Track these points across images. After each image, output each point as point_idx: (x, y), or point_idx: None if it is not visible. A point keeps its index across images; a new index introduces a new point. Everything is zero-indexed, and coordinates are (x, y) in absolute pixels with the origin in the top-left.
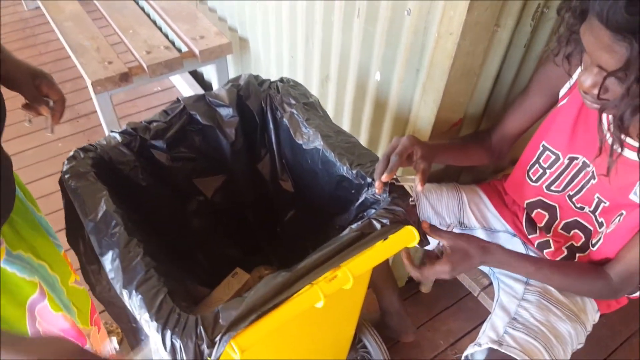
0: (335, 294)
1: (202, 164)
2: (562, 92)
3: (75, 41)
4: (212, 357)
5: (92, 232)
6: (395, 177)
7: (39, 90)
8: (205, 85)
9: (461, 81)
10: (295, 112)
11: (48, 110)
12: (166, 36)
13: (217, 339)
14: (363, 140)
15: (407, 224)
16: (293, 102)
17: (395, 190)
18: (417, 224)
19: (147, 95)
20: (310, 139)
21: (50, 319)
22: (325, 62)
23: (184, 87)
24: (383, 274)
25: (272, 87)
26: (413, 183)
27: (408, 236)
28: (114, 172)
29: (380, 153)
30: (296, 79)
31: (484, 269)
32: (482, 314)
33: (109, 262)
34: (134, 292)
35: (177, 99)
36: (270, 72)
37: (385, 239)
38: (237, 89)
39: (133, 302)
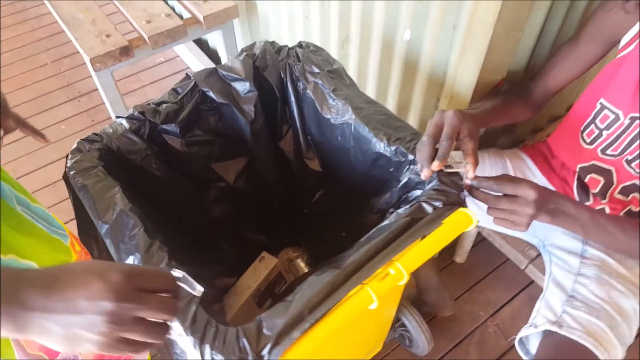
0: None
1: (220, 147)
2: (624, 40)
3: (68, 14)
4: None
5: (107, 236)
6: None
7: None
8: (211, 53)
9: (506, 38)
10: (319, 82)
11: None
12: (165, 2)
13: (265, 352)
14: (391, 106)
15: (462, 205)
16: (316, 70)
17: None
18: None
19: (150, 67)
20: (340, 112)
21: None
22: (345, 21)
23: (189, 56)
24: None
25: (291, 54)
26: (462, 167)
27: (464, 220)
28: (124, 163)
29: (412, 122)
30: (311, 41)
31: (532, 239)
32: (521, 282)
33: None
34: None
35: (187, 74)
36: (282, 37)
37: (437, 225)
38: (253, 60)
39: None
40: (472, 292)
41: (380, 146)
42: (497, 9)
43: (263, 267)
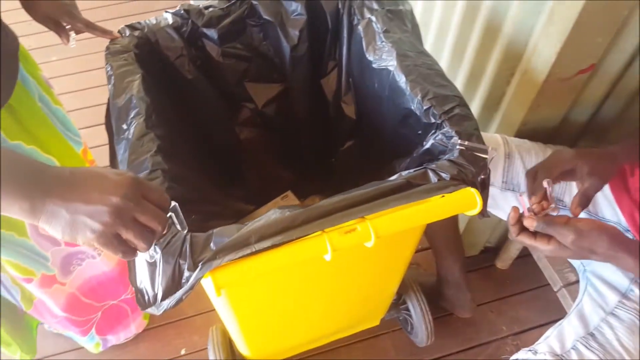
0: (357, 249)
1: (257, 66)
2: None
3: None
4: (188, 283)
5: (114, 118)
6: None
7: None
8: None
9: (603, 12)
10: (373, 19)
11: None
12: None
13: (201, 263)
14: (464, 72)
15: (473, 186)
16: (376, 6)
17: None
18: (484, 190)
19: None
20: (383, 56)
21: None
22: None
23: None
24: (446, 235)
25: None
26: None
27: (466, 201)
28: (159, 57)
29: (481, 94)
30: None
31: (574, 262)
32: (561, 311)
33: (120, 152)
34: None
35: None
36: None
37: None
38: None
39: None
40: (503, 304)
41: (413, 102)
42: (577, 9)
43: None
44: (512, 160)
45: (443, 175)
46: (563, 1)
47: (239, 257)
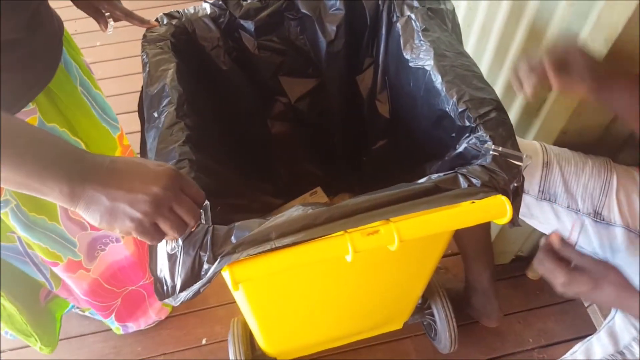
0: (381, 251)
1: (292, 60)
2: None
3: None
4: (207, 275)
5: (147, 106)
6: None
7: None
8: None
9: None
10: (413, 17)
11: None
12: None
13: (220, 256)
14: (504, 75)
15: (504, 194)
16: (416, 4)
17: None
18: (516, 198)
19: None
20: (420, 55)
21: None
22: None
23: None
24: (477, 242)
25: None
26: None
27: (496, 209)
28: (195, 47)
29: (519, 101)
30: None
31: None
32: (591, 327)
33: (150, 140)
34: None
35: None
36: None
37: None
38: None
39: None
40: (531, 315)
41: (448, 103)
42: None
43: (312, 201)
44: (550, 169)
45: (474, 180)
46: (613, 4)
47: (259, 253)
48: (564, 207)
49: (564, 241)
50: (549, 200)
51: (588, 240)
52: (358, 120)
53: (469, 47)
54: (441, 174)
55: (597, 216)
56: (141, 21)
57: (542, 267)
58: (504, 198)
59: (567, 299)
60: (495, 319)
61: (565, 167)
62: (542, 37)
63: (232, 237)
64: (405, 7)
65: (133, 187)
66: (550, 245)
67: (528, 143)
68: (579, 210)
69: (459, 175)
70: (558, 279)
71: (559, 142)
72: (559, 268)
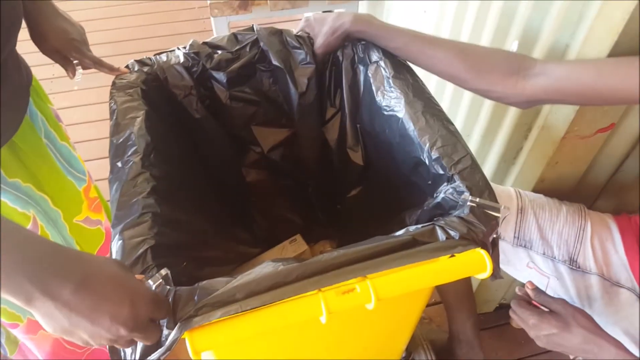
0: (357, 309)
1: (265, 111)
2: None
3: None
4: (166, 343)
5: (111, 154)
6: None
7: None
8: None
9: None
10: (382, 64)
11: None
12: None
13: (180, 320)
14: (480, 124)
15: (483, 247)
16: (383, 54)
17: (485, 197)
18: (494, 250)
19: None
20: (392, 102)
21: None
22: (458, 22)
23: None
24: (457, 291)
25: None
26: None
27: (476, 264)
28: (167, 95)
29: (498, 147)
30: None
31: None
32: None
33: (112, 192)
34: (117, 235)
35: (253, 26)
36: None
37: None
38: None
39: (115, 247)
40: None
41: (422, 151)
42: (619, 28)
43: (291, 250)
44: (524, 215)
45: (452, 233)
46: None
47: (222, 317)
48: (540, 254)
49: (537, 289)
50: (525, 246)
51: (565, 289)
52: (331, 169)
53: (446, 97)
54: (419, 226)
55: (573, 263)
56: (110, 68)
57: (514, 314)
58: (483, 252)
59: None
60: None
61: (539, 213)
62: None
63: (196, 297)
64: (373, 54)
65: (101, 321)
66: (524, 295)
67: (502, 189)
68: (555, 257)
69: (437, 227)
70: (529, 320)
71: (538, 190)
72: (529, 311)
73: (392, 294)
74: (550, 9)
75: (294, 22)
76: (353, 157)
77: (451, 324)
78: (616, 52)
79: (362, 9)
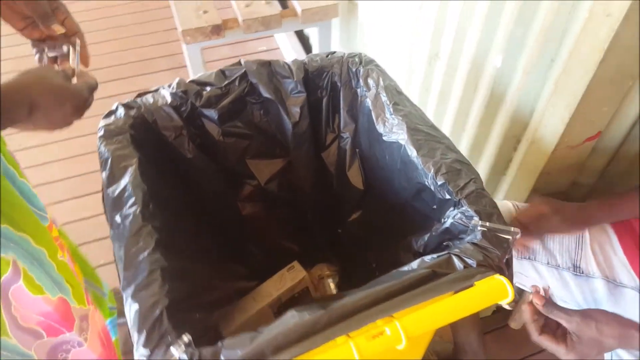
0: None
1: (259, 143)
2: None
3: None
4: None
5: (108, 207)
6: None
7: (54, 13)
8: (309, 50)
9: (611, 84)
10: (382, 93)
11: (67, 38)
12: None
13: None
14: (467, 137)
15: (500, 272)
16: (382, 81)
17: (494, 220)
18: (509, 271)
19: (251, 53)
20: (394, 130)
21: (27, 302)
22: (437, 36)
23: (288, 49)
24: None
25: (353, 61)
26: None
27: (499, 291)
28: (156, 137)
29: (485, 161)
30: (401, 54)
31: None
32: None
33: (116, 249)
34: (130, 299)
35: (240, 61)
36: (375, 44)
37: (463, 288)
38: (304, 63)
39: (130, 313)
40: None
41: (427, 177)
42: (604, 45)
43: (289, 277)
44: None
45: (469, 261)
46: (569, 74)
47: None
48: (544, 264)
49: (547, 302)
50: (529, 258)
51: (571, 295)
52: (330, 194)
53: (429, 112)
54: (434, 256)
55: (576, 269)
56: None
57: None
58: (503, 279)
59: None
60: None
61: None
62: (501, 103)
63: (221, 356)
64: (371, 82)
65: (53, 125)
66: (532, 312)
67: (501, 204)
68: (559, 266)
69: (453, 257)
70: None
71: (531, 200)
72: (554, 340)
73: (420, 331)
74: (533, 23)
75: (265, 40)
76: (353, 181)
77: (455, 336)
78: (604, 67)
79: (335, 27)
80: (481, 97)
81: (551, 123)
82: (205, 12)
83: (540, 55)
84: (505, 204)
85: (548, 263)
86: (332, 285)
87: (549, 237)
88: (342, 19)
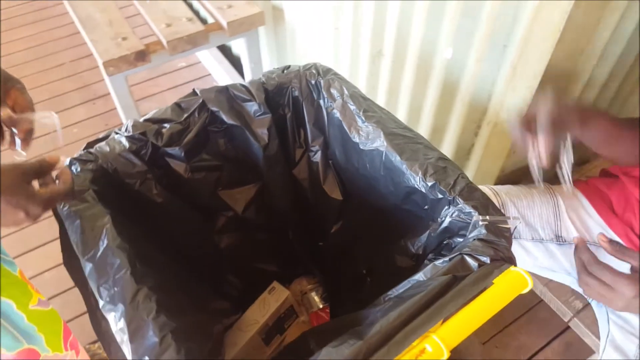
0: None
1: (229, 172)
2: None
3: (85, 13)
4: None
5: (92, 277)
6: None
7: (5, 95)
8: (235, 60)
9: (566, 62)
10: (349, 102)
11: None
12: (189, 6)
13: None
14: (424, 127)
15: (511, 262)
16: (346, 90)
17: (490, 212)
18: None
19: (170, 72)
20: (370, 137)
21: None
22: (378, 34)
23: (211, 62)
24: None
25: (310, 73)
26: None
27: (518, 281)
28: (120, 187)
29: (447, 148)
30: (340, 56)
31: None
32: (557, 326)
33: (113, 319)
34: None
35: (194, 90)
36: (309, 50)
37: (485, 287)
38: (262, 82)
39: None
40: (504, 335)
41: (415, 180)
42: (559, 27)
43: (273, 300)
44: (506, 209)
45: (482, 258)
46: (526, 58)
47: None
48: (530, 240)
49: (611, 240)
50: (515, 237)
51: (559, 264)
52: (308, 210)
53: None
54: (446, 259)
55: (559, 239)
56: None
57: (592, 280)
58: (520, 269)
59: (526, 309)
60: (479, 354)
61: (518, 203)
62: (456, 91)
63: None
64: (334, 92)
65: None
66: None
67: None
68: (543, 239)
69: (465, 257)
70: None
71: (499, 181)
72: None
73: (459, 340)
74: (481, 14)
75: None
76: (331, 193)
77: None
78: (560, 49)
79: (262, 35)
80: (434, 89)
81: (513, 104)
82: (124, 38)
83: (492, 43)
84: (482, 189)
85: (532, 238)
86: (317, 299)
87: (529, 213)
88: (267, 27)
